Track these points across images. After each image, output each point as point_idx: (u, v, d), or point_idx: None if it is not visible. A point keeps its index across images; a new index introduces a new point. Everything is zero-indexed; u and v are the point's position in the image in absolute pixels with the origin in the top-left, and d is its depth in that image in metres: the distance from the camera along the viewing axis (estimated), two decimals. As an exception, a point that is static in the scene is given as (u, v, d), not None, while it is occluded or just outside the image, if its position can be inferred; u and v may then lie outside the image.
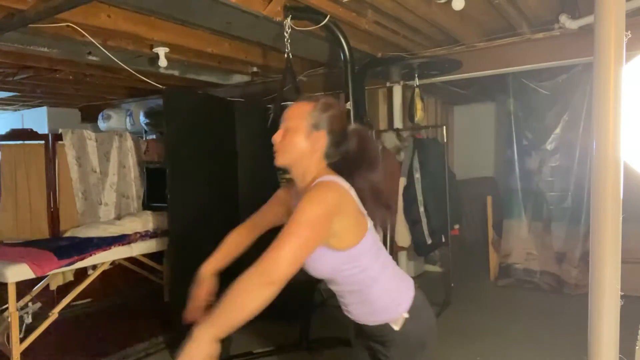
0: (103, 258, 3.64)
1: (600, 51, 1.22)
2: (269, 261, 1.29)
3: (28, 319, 3.36)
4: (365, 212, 1.44)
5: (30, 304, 3.46)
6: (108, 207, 4.73)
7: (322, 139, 1.44)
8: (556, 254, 4.74)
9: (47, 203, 4.40)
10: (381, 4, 2.97)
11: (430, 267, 5.58)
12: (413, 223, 4.21)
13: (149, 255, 4.25)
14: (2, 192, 4.21)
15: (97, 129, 5.80)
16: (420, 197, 4.19)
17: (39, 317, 3.43)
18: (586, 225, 4.48)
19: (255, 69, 4.53)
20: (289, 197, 1.67)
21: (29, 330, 3.30)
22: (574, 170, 4.69)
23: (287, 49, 2.92)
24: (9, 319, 3.11)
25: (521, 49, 3.83)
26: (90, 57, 3.59)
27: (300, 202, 1.30)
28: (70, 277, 3.89)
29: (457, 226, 4.64)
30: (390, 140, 4.26)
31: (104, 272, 3.89)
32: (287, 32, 2.85)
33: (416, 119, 4.21)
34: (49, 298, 3.89)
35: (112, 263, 4.18)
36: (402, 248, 4.36)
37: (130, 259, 4.21)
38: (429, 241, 4.20)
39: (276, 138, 1.49)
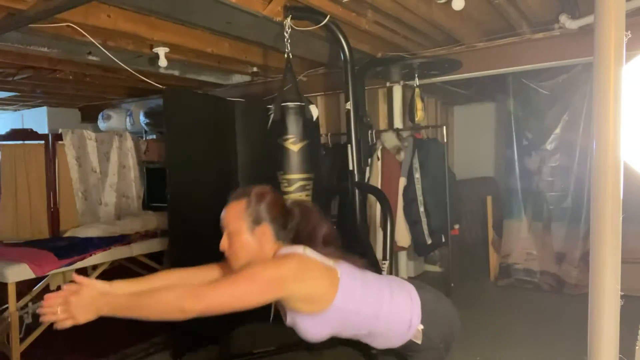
0: (103, 258, 3.64)
1: (600, 51, 1.22)
2: (200, 293, 1.31)
3: (28, 319, 3.36)
4: (332, 262, 1.45)
5: (30, 304, 3.47)
6: (108, 207, 4.73)
7: (266, 231, 1.47)
8: (556, 254, 4.74)
9: (47, 203, 4.40)
10: (381, 4, 2.97)
11: (430, 267, 5.58)
12: (413, 223, 4.21)
13: (149, 255, 4.24)
14: (2, 192, 4.21)
15: (97, 129, 5.80)
16: (420, 197, 4.19)
17: (39, 317, 3.42)
18: (586, 225, 4.48)
19: (255, 69, 4.53)
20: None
21: (29, 330, 3.30)
22: (574, 170, 4.69)
23: (287, 49, 2.91)
24: (9, 319, 3.12)
25: (521, 49, 3.82)
26: (90, 57, 3.59)
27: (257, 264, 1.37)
28: (70, 277, 3.89)
29: (457, 226, 4.64)
30: (390, 140, 4.26)
31: (104, 272, 3.89)
32: (287, 32, 2.85)
33: (416, 119, 4.21)
34: (49, 298, 3.89)
35: (112, 263, 4.18)
36: (402, 248, 4.36)
37: (130, 259, 4.21)
38: (429, 241, 4.20)
39: (223, 245, 1.50)
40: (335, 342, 1.57)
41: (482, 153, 6.67)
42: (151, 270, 4.49)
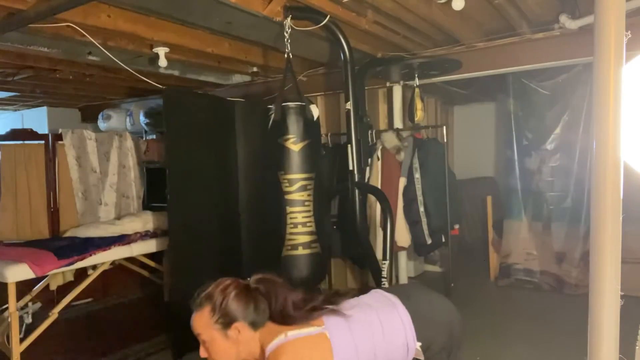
0: (103, 258, 3.64)
1: (600, 51, 1.22)
2: None
3: (28, 319, 3.36)
4: (315, 328, 1.42)
5: (30, 304, 3.47)
6: (108, 207, 4.73)
7: (241, 328, 1.41)
8: (556, 254, 4.74)
9: (47, 203, 4.40)
10: (381, 4, 2.97)
11: (430, 267, 5.58)
12: (413, 223, 4.21)
13: (149, 255, 4.25)
14: (2, 192, 4.21)
15: (97, 129, 5.80)
16: (420, 197, 4.19)
17: (39, 317, 3.43)
18: (586, 225, 4.48)
19: (255, 69, 4.53)
20: None
21: (29, 330, 3.30)
22: (574, 170, 4.69)
23: (287, 49, 2.91)
24: (9, 319, 3.11)
25: (521, 49, 3.82)
26: (90, 57, 3.59)
27: None
28: (70, 277, 3.89)
29: (457, 226, 4.64)
30: (390, 140, 4.26)
31: (104, 272, 3.89)
32: (287, 32, 2.85)
33: (416, 119, 4.21)
34: (49, 298, 3.89)
35: (112, 263, 4.18)
36: (402, 248, 4.36)
37: (130, 259, 4.21)
38: (429, 241, 4.20)
39: (203, 355, 1.47)
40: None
41: (482, 153, 6.67)
42: (151, 270, 4.52)
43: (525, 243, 4.92)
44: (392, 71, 4.27)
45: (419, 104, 4.18)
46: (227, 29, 3.28)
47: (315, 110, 3.04)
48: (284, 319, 1.44)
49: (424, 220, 4.19)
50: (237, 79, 5.05)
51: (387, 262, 3.02)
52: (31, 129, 4.65)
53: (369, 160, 4.16)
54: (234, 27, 3.26)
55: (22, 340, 3.19)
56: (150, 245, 4.03)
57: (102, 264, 3.76)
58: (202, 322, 1.43)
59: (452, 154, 6.64)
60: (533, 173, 4.93)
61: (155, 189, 4.87)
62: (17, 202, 4.26)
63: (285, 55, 2.94)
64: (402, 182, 4.22)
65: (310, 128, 2.98)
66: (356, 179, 3.31)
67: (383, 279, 2.98)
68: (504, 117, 5.40)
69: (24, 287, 3.46)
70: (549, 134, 4.81)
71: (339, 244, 4.16)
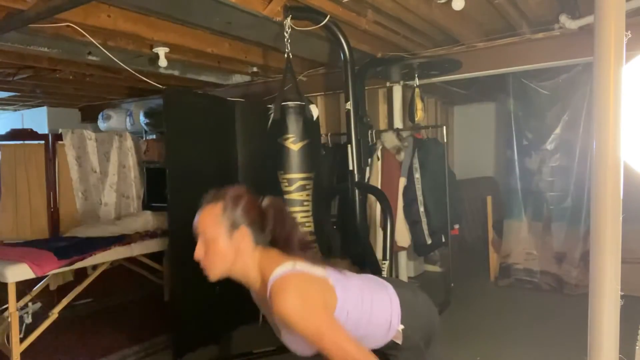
0: (103, 258, 3.64)
1: (600, 51, 1.22)
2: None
3: (28, 319, 3.36)
4: (321, 271, 1.40)
5: (30, 304, 3.46)
6: (108, 207, 4.73)
7: (245, 235, 1.39)
8: (556, 254, 4.74)
9: (47, 203, 4.40)
10: (381, 4, 2.97)
11: (430, 267, 5.58)
12: (413, 223, 4.21)
13: (149, 255, 4.25)
14: (2, 192, 4.21)
15: (97, 129, 5.80)
16: (420, 197, 4.19)
17: (39, 317, 3.43)
18: (586, 225, 4.47)
19: (255, 69, 4.53)
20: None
21: (29, 330, 3.30)
22: (574, 170, 4.69)
23: (287, 49, 2.91)
24: (9, 319, 3.11)
25: (521, 49, 3.82)
26: (90, 57, 3.59)
27: (292, 323, 1.28)
28: (70, 277, 3.90)
29: (457, 226, 4.64)
30: (390, 140, 4.26)
31: (104, 272, 3.89)
32: (287, 32, 2.85)
33: (416, 119, 4.21)
34: (49, 298, 3.89)
35: (112, 263, 4.18)
36: (402, 248, 4.36)
37: (130, 259, 4.21)
38: (429, 241, 4.20)
39: (199, 254, 1.40)
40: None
41: (482, 153, 6.67)
42: (151, 270, 4.52)
43: (525, 243, 4.92)
44: (392, 71, 4.27)
45: (419, 104, 4.18)
46: (227, 29, 3.28)
47: (315, 110, 3.04)
48: (287, 250, 1.42)
49: (424, 220, 4.19)
50: (237, 79, 5.05)
51: (387, 262, 3.02)
52: (31, 129, 4.65)
53: (369, 160, 4.16)
54: (234, 27, 3.26)
55: (22, 340, 3.19)
56: (150, 245, 4.03)
57: (102, 264, 3.76)
58: (211, 217, 1.39)
59: (452, 154, 6.64)
60: (533, 173, 4.93)
61: (155, 189, 4.87)
62: (17, 202, 4.26)
63: (285, 55, 2.94)
64: (402, 182, 4.22)
65: (309, 128, 2.98)
66: (356, 179, 3.31)
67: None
68: (504, 117, 5.40)
69: (24, 287, 3.46)
70: (549, 134, 4.81)
71: (339, 244, 4.16)
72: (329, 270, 1.43)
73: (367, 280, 1.58)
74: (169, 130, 3.38)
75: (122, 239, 3.80)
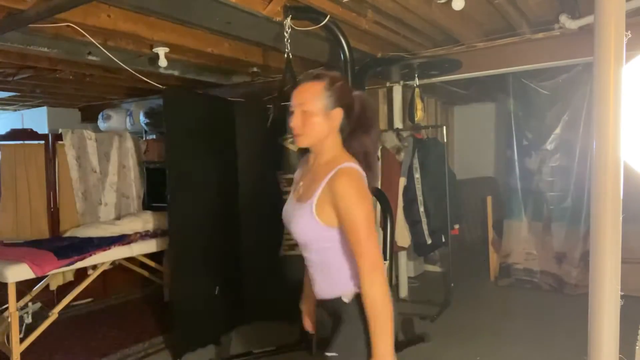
0: (103, 258, 3.64)
1: (600, 51, 1.22)
2: (370, 269, 1.39)
3: (28, 319, 3.36)
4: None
5: (30, 304, 3.47)
6: (108, 207, 4.73)
7: (338, 116, 1.50)
8: (556, 254, 4.74)
9: (47, 203, 4.40)
10: (381, 4, 2.97)
11: (430, 267, 5.58)
12: (413, 223, 4.21)
13: (149, 255, 4.25)
14: (2, 192, 4.21)
15: (97, 129, 5.80)
16: (420, 197, 4.20)
17: (39, 317, 3.43)
18: (586, 225, 4.48)
19: (255, 69, 4.52)
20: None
21: (29, 330, 3.31)
22: (574, 170, 4.69)
23: (287, 49, 2.91)
24: (9, 319, 3.12)
25: (521, 49, 3.82)
26: (90, 57, 3.59)
27: (343, 201, 1.38)
28: (70, 277, 3.90)
29: (457, 226, 4.64)
30: (390, 140, 4.26)
31: (104, 272, 3.89)
32: (287, 32, 2.85)
33: (416, 119, 4.21)
34: (49, 298, 3.90)
35: (112, 263, 4.18)
36: (402, 248, 4.36)
37: (130, 259, 4.21)
38: (429, 241, 4.20)
39: (296, 123, 1.50)
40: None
41: (482, 153, 6.67)
42: (151, 270, 4.52)
43: (525, 243, 4.92)
44: (392, 71, 4.27)
45: (419, 104, 4.18)
46: (227, 29, 3.28)
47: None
48: (358, 147, 1.52)
49: (424, 220, 4.19)
50: (237, 79, 5.04)
51: (387, 262, 3.02)
52: (31, 129, 4.65)
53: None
54: (234, 27, 3.25)
55: (22, 340, 3.19)
56: (150, 245, 4.03)
57: (102, 264, 3.76)
58: (315, 91, 1.49)
59: (452, 154, 6.64)
60: (533, 173, 4.93)
61: (155, 189, 4.87)
62: (17, 202, 4.26)
63: (285, 55, 2.94)
64: (402, 182, 4.22)
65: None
66: (356, 179, 3.31)
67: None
68: (504, 117, 5.40)
69: (24, 287, 3.46)
70: (549, 134, 4.82)
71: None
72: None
73: None
74: (169, 130, 3.38)
75: (122, 239, 3.80)
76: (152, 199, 4.93)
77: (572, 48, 3.58)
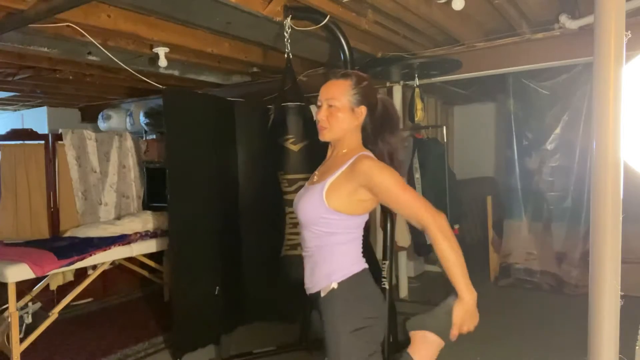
0: (103, 258, 3.64)
1: (600, 51, 1.22)
2: (425, 212, 1.45)
3: (28, 319, 3.36)
4: None
5: (30, 304, 3.47)
6: (108, 207, 4.73)
7: (363, 114, 1.56)
8: (556, 254, 4.74)
9: (47, 203, 4.40)
10: (381, 4, 2.97)
11: (430, 267, 5.58)
12: (413, 223, 4.20)
13: (149, 255, 4.25)
14: (2, 192, 4.21)
15: (97, 129, 5.80)
16: (420, 197, 4.19)
17: (39, 317, 3.43)
18: (586, 225, 4.47)
19: (255, 69, 4.52)
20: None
21: (29, 330, 3.30)
22: (574, 170, 4.69)
23: (287, 49, 2.92)
24: (9, 319, 3.11)
25: (521, 49, 3.82)
26: (90, 57, 3.59)
27: (374, 177, 1.44)
28: (70, 277, 3.89)
29: (457, 226, 4.64)
30: (390, 140, 4.25)
31: (104, 272, 3.89)
32: (287, 32, 2.85)
33: (416, 119, 4.21)
34: (49, 298, 3.89)
35: (112, 263, 4.18)
36: (402, 248, 4.36)
37: (130, 259, 4.21)
38: (429, 241, 4.20)
39: (322, 116, 1.56)
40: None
41: (482, 153, 6.67)
42: (151, 270, 4.52)
43: (526, 243, 4.92)
44: (392, 71, 4.26)
45: (419, 104, 4.18)
46: (227, 29, 3.28)
47: (315, 111, 3.03)
48: (369, 139, 1.60)
49: (424, 220, 4.19)
50: (237, 79, 5.05)
51: (387, 262, 3.02)
52: (31, 129, 4.65)
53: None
54: (234, 27, 3.25)
55: (22, 340, 3.19)
56: (150, 245, 4.03)
57: (102, 264, 3.76)
58: (343, 88, 1.55)
59: (452, 154, 6.64)
60: (533, 173, 4.93)
61: (155, 189, 4.87)
62: (17, 202, 4.26)
63: (285, 55, 2.94)
64: (402, 182, 4.21)
65: (310, 128, 2.98)
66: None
67: (383, 279, 2.98)
68: (504, 117, 5.40)
69: (24, 287, 3.46)
70: (549, 134, 4.81)
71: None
72: None
73: (359, 249, 1.65)
74: (169, 130, 3.38)
75: (122, 239, 3.80)
76: (152, 199, 4.94)
77: (572, 48, 3.58)
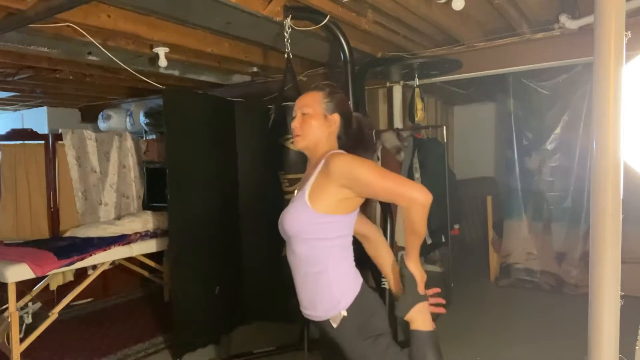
0: (103, 258, 3.64)
1: (600, 51, 1.22)
2: (402, 190, 1.43)
3: (28, 319, 3.36)
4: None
5: (30, 304, 3.47)
6: (108, 207, 4.73)
7: (336, 122, 1.60)
8: (556, 254, 4.74)
9: (47, 203, 4.40)
10: (381, 4, 2.97)
11: (430, 267, 5.57)
12: (413, 223, 4.20)
13: (149, 255, 4.25)
14: (2, 192, 4.21)
15: (97, 129, 5.80)
16: (420, 197, 4.19)
17: (39, 317, 3.43)
18: (586, 225, 4.48)
19: (255, 69, 4.52)
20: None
21: (29, 330, 3.31)
22: (574, 170, 4.69)
23: (287, 49, 2.91)
24: (9, 319, 3.11)
25: (521, 49, 3.82)
26: (90, 57, 3.59)
27: (347, 171, 1.44)
28: (70, 277, 3.89)
29: (457, 226, 4.64)
30: (390, 140, 4.26)
31: (104, 272, 3.89)
32: (287, 32, 2.85)
33: (416, 119, 4.21)
34: (49, 298, 3.89)
35: (112, 263, 4.18)
36: (402, 248, 4.35)
37: (130, 259, 4.21)
38: (429, 241, 4.20)
39: (295, 125, 1.60)
40: (335, 343, 1.56)
41: (482, 153, 6.67)
42: (151, 270, 4.52)
43: (526, 243, 4.92)
44: (392, 71, 4.26)
45: (419, 104, 4.18)
46: (227, 29, 3.28)
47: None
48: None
49: (424, 220, 4.19)
50: (237, 79, 5.05)
51: (387, 262, 3.01)
52: (31, 129, 4.65)
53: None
54: (234, 27, 3.25)
55: (22, 340, 3.19)
56: (150, 245, 4.03)
57: (102, 264, 3.76)
58: (315, 98, 1.60)
59: (452, 154, 6.64)
60: (533, 173, 4.93)
61: (155, 189, 4.87)
62: (17, 202, 4.26)
63: (285, 55, 2.94)
64: (402, 182, 4.21)
65: (310, 128, 2.98)
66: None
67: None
68: (504, 117, 5.40)
69: (24, 287, 3.46)
70: (549, 134, 4.81)
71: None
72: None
73: (352, 257, 1.62)
74: (169, 130, 3.38)
75: (122, 239, 3.80)
76: (152, 199, 4.94)
77: (572, 48, 3.58)
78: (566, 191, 4.76)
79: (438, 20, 3.28)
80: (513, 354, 3.28)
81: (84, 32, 2.96)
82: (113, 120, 5.81)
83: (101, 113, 5.92)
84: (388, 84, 4.63)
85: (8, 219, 4.21)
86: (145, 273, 4.57)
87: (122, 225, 3.95)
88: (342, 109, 1.62)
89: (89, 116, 6.53)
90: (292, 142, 2.93)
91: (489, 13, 3.34)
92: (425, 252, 4.53)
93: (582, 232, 4.56)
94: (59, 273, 3.60)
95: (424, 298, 1.54)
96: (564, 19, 3.38)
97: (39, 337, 3.31)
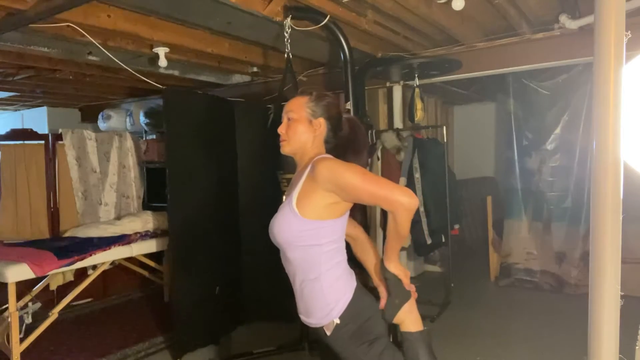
0: (103, 258, 3.64)
1: (600, 51, 1.22)
2: (387, 194, 1.43)
3: (28, 319, 3.36)
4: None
5: (30, 304, 3.47)
6: (108, 207, 4.73)
7: (322, 125, 1.59)
8: (556, 254, 4.74)
9: (47, 203, 4.40)
10: (381, 4, 2.97)
11: (430, 267, 5.58)
12: (413, 223, 4.17)
13: (149, 255, 4.25)
14: (2, 192, 4.21)
15: (97, 129, 5.80)
16: (420, 197, 4.19)
17: (39, 317, 3.43)
18: (586, 225, 4.48)
19: (255, 69, 4.53)
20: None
21: (29, 330, 3.30)
22: (574, 170, 4.69)
23: (287, 49, 2.91)
24: (9, 319, 3.12)
25: (521, 49, 3.82)
26: (90, 57, 3.59)
27: (333, 176, 1.43)
28: (70, 277, 3.90)
29: (457, 226, 4.64)
30: (390, 140, 4.26)
31: (104, 272, 3.89)
32: (287, 32, 2.85)
33: (416, 119, 4.21)
34: (49, 298, 3.90)
35: (112, 263, 4.18)
36: (402, 248, 4.35)
37: (130, 259, 4.21)
38: (429, 241, 4.20)
39: (281, 130, 1.61)
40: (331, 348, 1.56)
41: (482, 153, 6.67)
42: (151, 270, 4.52)
43: (526, 243, 4.92)
44: (392, 71, 4.27)
45: (419, 104, 4.18)
46: (227, 29, 3.28)
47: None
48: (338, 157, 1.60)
49: (424, 220, 4.19)
50: (237, 79, 5.05)
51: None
52: (31, 129, 4.64)
53: (369, 160, 4.16)
54: (234, 27, 3.25)
55: (22, 340, 3.19)
56: (150, 245, 4.03)
57: (102, 264, 3.76)
58: (300, 103, 1.60)
59: (452, 154, 6.64)
60: (533, 173, 4.93)
61: (155, 189, 4.87)
62: (17, 202, 4.26)
63: (285, 55, 2.94)
64: (402, 182, 4.21)
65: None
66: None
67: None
68: (504, 117, 5.40)
69: (24, 287, 3.46)
70: (549, 134, 4.82)
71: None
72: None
73: (345, 260, 1.63)
74: (169, 130, 3.38)
75: (122, 239, 3.80)
76: (152, 199, 4.94)
77: (572, 48, 3.58)
78: (566, 191, 4.76)
79: (438, 20, 3.28)
80: (513, 353, 3.28)
81: (84, 32, 2.96)
82: (113, 120, 5.82)
83: (101, 113, 5.92)
84: (388, 84, 4.63)
85: (8, 219, 4.21)
86: (145, 273, 4.57)
87: (122, 225, 3.95)
88: (329, 113, 1.60)
89: (89, 116, 6.54)
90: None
91: (489, 13, 3.34)
92: (425, 252, 4.54)
93: (582, 232, 4.57)
94: (59, 273, 3.61)
95: (409, 294, 1.56)
96: (564, 19, 3.39)
97: (39, 337, 3.31)
